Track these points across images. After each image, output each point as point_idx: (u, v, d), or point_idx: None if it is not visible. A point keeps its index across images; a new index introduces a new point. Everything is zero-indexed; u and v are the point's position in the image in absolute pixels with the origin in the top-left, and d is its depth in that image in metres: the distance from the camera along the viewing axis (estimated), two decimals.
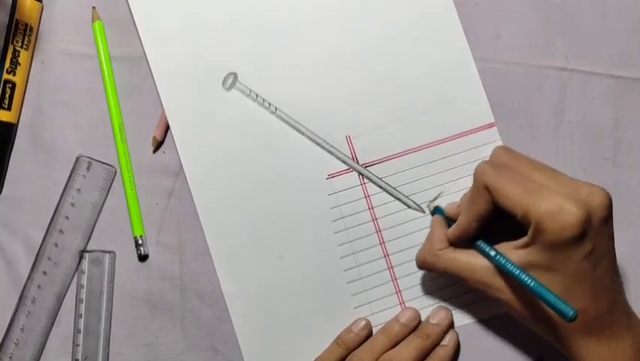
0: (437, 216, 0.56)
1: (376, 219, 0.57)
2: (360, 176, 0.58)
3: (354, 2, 0.59)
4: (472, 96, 0.58)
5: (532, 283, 0.47)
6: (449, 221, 0.55)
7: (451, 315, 0.57)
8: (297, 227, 0.57)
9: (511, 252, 0.50)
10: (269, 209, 0.57)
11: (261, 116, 0.58)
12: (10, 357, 0.56)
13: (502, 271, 0.50)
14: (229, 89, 0.58)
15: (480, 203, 0.50)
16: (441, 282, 0.57)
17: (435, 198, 0.58)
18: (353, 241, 0.57)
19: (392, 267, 0.57)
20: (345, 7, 0.59)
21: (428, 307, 0.57)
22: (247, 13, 0.58)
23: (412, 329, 0.56)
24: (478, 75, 0.58)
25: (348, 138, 0.58)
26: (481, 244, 0.52)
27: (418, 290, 0.57)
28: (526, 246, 0.49)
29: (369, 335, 0.57)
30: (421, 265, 0.55)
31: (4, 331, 0.56)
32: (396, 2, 0.59)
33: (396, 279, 0.57)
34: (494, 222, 0.51)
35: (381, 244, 0.57)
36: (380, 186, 0.58)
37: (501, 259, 0.50)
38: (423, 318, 0.57)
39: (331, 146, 0.58)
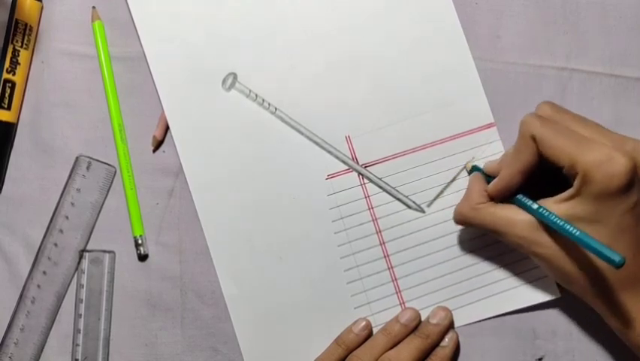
0: (476, 173, 0.56)
1: (376, 219, 0.57)
2: (360, 176, 0.58)
3: (353, 2, 0.59)
4: (472, 96, 0.58)
5: (577, 233, 0.47)
6: (488, 178, 0.55)
7: (451, 315, 0.57)
8: (296, 227, 0.57)
9: (554, 206, 0.49)
10: (269, 209, 0.57)
11: (260, 117, 0.58)
12: (10, 357, 0.56)
13: (544, 224, 0.50)
14: (229, 89, 0.58)
15: (526, 154, 0.50)
16: (441, 282, 0.57)
17: (433, 199, 0.58)
18: (353, 241, 0.57)
19: (392, 267, 0.57)
20: (344, 7, 0.59)
21: (428, 308, 0.57)
22: (247, 13, 0.58)
23: (411, 329, 0.56)
24: (478, 75, 0.58)
25: (347, 138, 0.58)
26: (522, 198, 0.51)
27: (418, 290, 0.57)
28: (570, 198, 0.49)
29: (370, 335, 0.57)
30: (459, 219, 0.55)
31: (4, 331, 0.57)
32: (396, 2, 0.59)
33: (396, 279, 0.57)
34: (531, 182, 0.51)
35: (381, 244, 0.57)
36: (380, 187, 0.58)
37: (544, 211, 0.49)
38: (423, 318, 0.57)
39: (331, 146, 0.58)
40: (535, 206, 0.50)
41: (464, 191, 0.57)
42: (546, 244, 0.51)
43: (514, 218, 0.52)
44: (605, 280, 0.50)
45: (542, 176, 0.50)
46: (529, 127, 0.50)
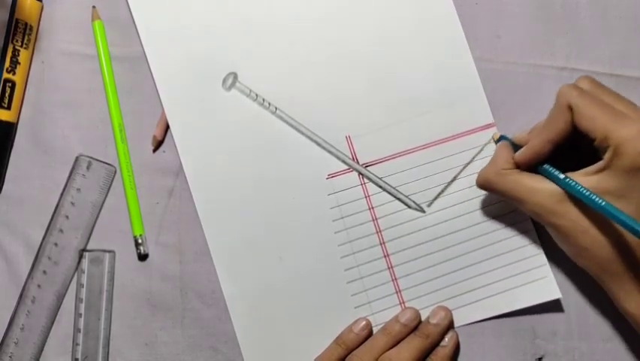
0: (504, 141, 0.56)
1: (376, 219, 0.57)
2: (360, 176, 0.58)
3: (354, 2, 0.59)
4: (472, 96, 0.58)
5: (603, 203, 0.47)
6: (515, 147, 0.54)
7: (451, 315, 0.57)
8: (297, 227, 0.57)
9: (581, 178, 0.50)
10: (269, 209, 0.57)
11: (260, 116, 0.58)
12: (10, 356, 0.56)
13: (567, 196, 0.50)
14: (229, 89, 0.58)
15: (560, 123, 0.50)
16: (441, 282, 0.57)
17: (433, 199, 0.58)
18: (353, 240, 0.57)
19: (392, 267, 0.57)
20: (345, 7, 0.59)
21: (428, 307, 0.57)
22: (247, 13, 0.58)
23: (411, 328, 0.56)
24: (478, 75, 0.58)
25: (348, 138, 0.58)
26: (548, 167, 0.52)
27: (418, 290, 0.57)
28: (599, 171, 0.49)
29: (370, 334, 0.56)
30: (482, 183, 0.55)
31: (4, 330, 0.57)
32: (396, 2, 0.59)
33: (396, 279, 0.57)
34: (557, 159, 0.51)
35: (381, 243, 0.57)
36: (380, 186, 0.58)
37: (571, 181, 0.49)
38: (423, 318, 0.57)
39: (331, 146, 0.58)
40: (561, 176, 0.50)
41: (465, 191, 0.57)
42: (567, 215, 0.51)
43: (537, 186, 0.52)
44: (625, 256, 0.50)
45: (568, 154, 0.50)
46: (567, 96, 0.50)
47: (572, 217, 0.50)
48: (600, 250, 0.50)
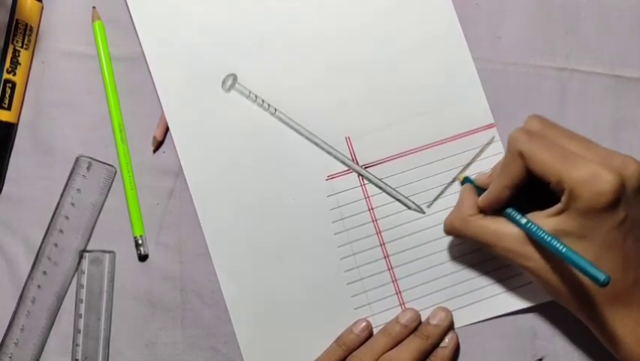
0: (468, 185, 0.56)
1: (376, 220, 0.57)
2: (360, 177, 0.58)
3: (353, 3, 0.59)
4: (472, 97, 0.58)
5: (563, 249, 0.47)
6: (479, 190, 0.55)
7: (451, 316, 0.57)
8: (296, 228, 0.57)
9: (542, 220, 0.50)
10: (268, 210, 0.57)
11: (260, 118, 0.58)
12: (10, 357, 0.56)
13: (532, 238, 0.50)
14: (228, 90, 0.58)
15: (513, 169, 0.50)
16: (441, 283, 0.57)
17: (433, 200, 0.58)
18: (353, 242, 0.57)
19: (392, 268, 0.57)
20: (344, 8, 0.59)
21: (428, 308, 0.57)
22: (246, 14, 0.58)
23: (412, 329, 0.56)
24: (478, 76, 0.58)
25: (347, 139, 0.58)
26: (511, 211, 0.51)
27: (418, 291, 0.57)
28: (558, 213, 0.49)
29: (370, 335, 0.57)
30: (449, 230, 0.55)
31: (4, 331, 0.57)
32: (395, 3, 0.59)
33: (396, 280, 0.57)
34: (523, 194, 0.51)
35: (381, 245, 0.57)
36: (380, 187, 0.58)
37: (532, 226, 0.49)
38: (423, 319, 0.57)
39: (331, 147, 0.58)
40: (523, 220, 0.50)
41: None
42: (534, 258, 0.51)
43: (503, 231, 0.52)
44: (593, 296, 0.50)
45: (534, 187, 0.50)
46: (517, 143, 0.50)
47: (540, 259, 0.51)
48: (570, 289, 0.50)
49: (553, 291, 0.52)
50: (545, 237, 0.48)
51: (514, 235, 0.51)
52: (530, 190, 0.50)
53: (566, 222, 0.48)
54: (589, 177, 0.47)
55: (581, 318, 0.52)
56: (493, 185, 0.52)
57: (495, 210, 0.53)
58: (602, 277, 0.45)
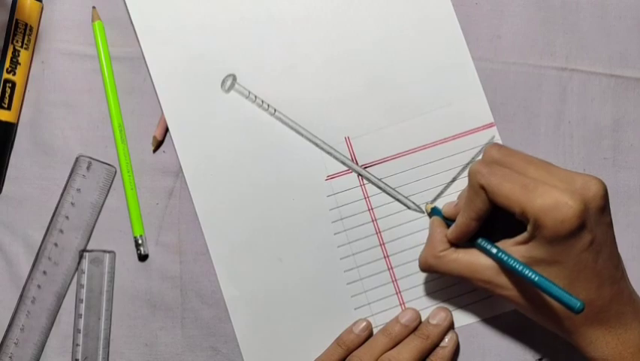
0: (435, 218, 0.56)
1: (376, 220, 0.57)
2: (360, 177, 0.58)
3: (353, 3, 0.59)
4: (472, 96, 0.58)
5: (536, 278, 0.47)
6: (448, 221, 0.55)
7: (451, 316, 0.57)
8: (296, 228, 0.57)
9: (513, 248, 0.50)
10: (268, 210, 0.57)
11: (259, 118, 0.58)
12: (10, 357, 0.56)
13: (505, 267, 0.50)
14: (228, 90, 0.58)
15: (477, 203, 0.50)
16: (441, 282, 0.57)
17: (433, 199, 0.58)
18: (353, 242, 0.57)
19: (392, 268, 0.57)
20: (343, 8, 0.59)
21: (428, 308, 0.57)
22: (246, 15, 0.58)
23: (412, 329, 0.56)
24: (478, 75, 0.58)
25: (347, 139, 0.58)
26: (482, 242, 0.52)
27: (418, 291, 0.57)
28: (526, 242, 0.49)
29: (370, 335, 0.57)
30: (424, 268, 0.55)
31: (4, 331, 0.57)
32: (395, 3, 0.59)
33: (396, 280, 0.57)
34: (494, 218, 0.51)
35: (381, 245, 0.57)
36: (379, 187, 0.58)
37: (503, 255, 0.50)
38: (423, 319, 0.57)
39: (330, 147, 0.58)
40: (494, 250, 0.50)
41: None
42: (509, 287, 0.51)
43: (476, 263, 0.52)
44: (572, 318, 0.50)
45: (504, 212, 0.50)
46: (477, 177, 0.50)
47: (514, 286, 0.51)
48: (549, 313, 0.51)
49: (534, 316, 0.52)
50: (517, 266, 0.48)
51: (487, 265, 0.51)
52: (502, 215, 0.50)
53: (535, 250, 0.49)
54: (551, 205, 0.47)
55: (565, 337, 0.52)
56: (460, 218, 0.52)
57: (465, 241, 0.53)
58: (576, 304, 0.45)
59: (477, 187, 0.50)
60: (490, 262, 0.51)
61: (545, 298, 0.50)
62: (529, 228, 0.48)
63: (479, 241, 0.52)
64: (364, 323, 0.56)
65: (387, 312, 0.57)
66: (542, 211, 0.47)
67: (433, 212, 0.57)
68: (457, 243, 0.53)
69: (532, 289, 0.50)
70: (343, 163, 0.58)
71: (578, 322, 0.50)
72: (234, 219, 0.57)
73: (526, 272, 0.48)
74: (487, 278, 0.51)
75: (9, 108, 0.57)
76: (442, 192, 0.58)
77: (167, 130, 0.58)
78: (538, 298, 0.50)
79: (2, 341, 0.56)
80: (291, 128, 0.58)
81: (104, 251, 0.57)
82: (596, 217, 0.48)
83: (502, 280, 0.51)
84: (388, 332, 0.56)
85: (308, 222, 0.57)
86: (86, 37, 0.59)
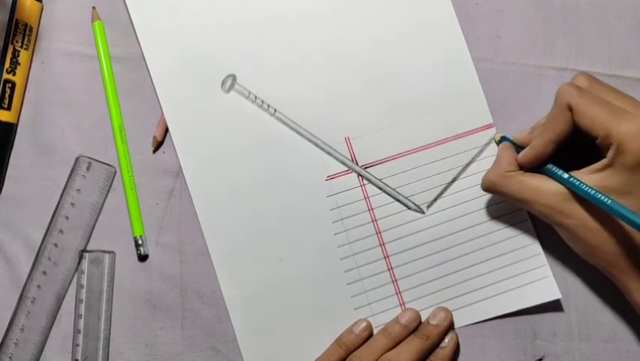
0: (506, 143, 0.56)
1: (376, 220, 0.57)
2: (360, 177, 0.58)
3: (352, 3, 0.59)
4: (471, 97, 0.58)
5: (609, 201, 0.47)
6: (517, 148, 0.55)
7: (451, 316, 0.57)
8: (296, 229, 0.57)
9: (585, 176, 0.50)
10: (268, 211, 0.57)
11: (259, 118, 0.58)
12: (10, 357, 0.56)
13: (573, 195, 0.50)
14: (228, 90, 0.58)
15: (560, 123, 0.50)
16: (441, 283, 0.57)
17: (433, 200, 0.58)
18: (353, 242, 0.57)
19: (392, 268, 0.57)
20: (343, 8, 0.59)
21: (428, 308, 0.57)
22: (246, 15, 0.58)
23: (412, 329, 0.56)
24: (478, 76, 0.58)
25: (347, 140, 0.58)
26: (552, 167, 0.52)
27: (418, 291, 0.57)
28: (603, 169, 0.49)
29: (370, 336, 0.57)
30: (487, 186, 0.55)
31: (4, 331, 0.57)
32: (394, 3, 0.59)
33: (396, 280, 0.57)
34: (561, 154, 0.51)
35: (381, 245, 0.57)
36: (380, 188, 0.58)
37: (575, 180, 0.49)
38: (423, 319, 0.57)
39: (330, 147, 0.58)
40: (565, 175, 0.50)
41: (464, 192, 0.57)
42: (574, 215, 0.51)
43: (543, 187, 0.52)
44: (634, 251, 0.50)
45: (571, 150, 0.50)
46: (566, 96, 0.50)
47: (579, 216, 0.50)
48: (609, 246, 0.50)
49: (590, 250, 0.52)
50: (589, 190, 0.48)
51: (554, 191, 0.51)
52: (568, 153, 0.51)
53: (610, 178, 0.49)
54: (637, 131, 0.47)
55: (615, 279, 0.52)
56: (537, 140, 0.52)
57: (535, 166, 0.53)
58: None
59: (564, 107, 0.50)
60: (558, 188, 0.51)
61: (607, 232, 0.50)
62: (610, 153, 0.48)
63: (549, 166, 0.52)
64: (364, 324, 0.56)
65: (387, 312, 0.57)
66: (628, 136, 0.47)
67: (502, 140, 0.56)
68: (526, 166, 0.53)
69: (596, 220, 0.50)
70: (343, 163, 0.58)
71: (634, 262, 0.50)
72: (234, 220, 0.57)
73: (599, 196, 0.48)
74: (552, 204, 0.51)
75: (9, 108, 0.57)
76: (442, 193, 0.58)
77: (167, 130, 0.58)
78: (599, 231, 0.50)
79: (2, 341, 0.56)
80: (291, 128, 0.58)
81: (104, 251, 0.57)
82: None
83: (568, 207, 0.51)
84: (388, 332, 0.56)
85: (308, 223, 0.57)
86: (86, 37, 0.59)
